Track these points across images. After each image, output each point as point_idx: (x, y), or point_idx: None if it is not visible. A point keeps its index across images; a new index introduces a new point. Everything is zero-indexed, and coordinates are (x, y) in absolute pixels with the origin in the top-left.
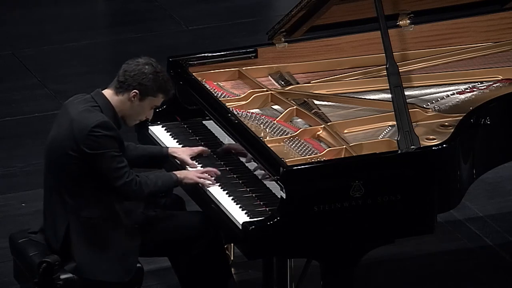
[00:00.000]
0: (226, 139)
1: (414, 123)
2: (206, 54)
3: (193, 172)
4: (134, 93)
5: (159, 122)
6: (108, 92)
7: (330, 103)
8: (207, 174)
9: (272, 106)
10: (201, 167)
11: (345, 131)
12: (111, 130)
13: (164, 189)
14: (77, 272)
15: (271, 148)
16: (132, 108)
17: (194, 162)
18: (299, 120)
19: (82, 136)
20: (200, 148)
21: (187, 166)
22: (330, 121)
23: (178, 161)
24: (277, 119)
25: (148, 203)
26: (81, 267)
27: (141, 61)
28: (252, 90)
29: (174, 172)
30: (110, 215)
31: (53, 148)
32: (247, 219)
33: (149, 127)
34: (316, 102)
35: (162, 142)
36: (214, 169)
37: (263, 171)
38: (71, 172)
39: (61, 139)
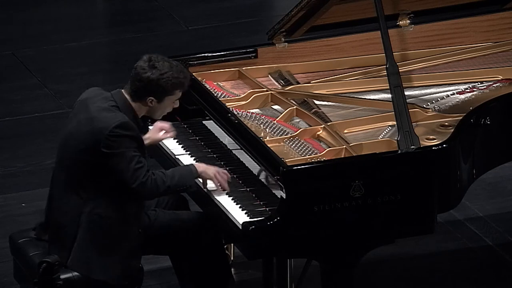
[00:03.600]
0: (226, 139)
1: (414, 123)
2: (206, 54)
3: (213, 168)
4: (150, 100)
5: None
6: (126, 95)
7: (330, 103)
8: (225, 176)
9: (272, 106)
10: (196, 161)
11: (345, 131)
12: (131, 130)
13: (183, 183)
14: (81, 270)
15: (271, 148)
16: (153, 109)
17: (164, 135)
18: (299, 120)
19: (103, 135)
20: (165, 124)
21: (164, 143)
22: (330, 121)
23: (154, 145)
24: (277, 119)
25: (150, 202)
26: (86, 265)
27: (146, 66)
28: (252, 90)
29: (193, 164)
30: (120, 216)
31: (70, 144)
32: (247, 219)
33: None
34: (316, 102)
35: (163, 142)
36: (229, 176)
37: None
38: (88, 169)
39: (80, 136)
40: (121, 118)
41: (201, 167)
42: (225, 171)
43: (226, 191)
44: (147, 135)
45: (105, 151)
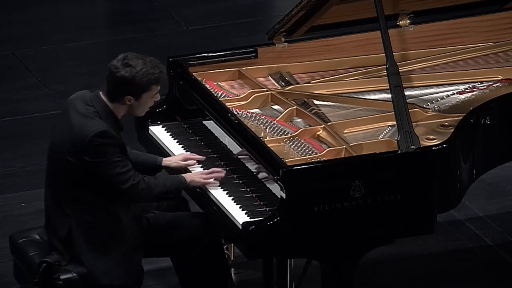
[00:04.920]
0: (226, 139)
1: (414, 123)
2: (206, 54)
3: (199, 175)
4: (128, 99)
5: (159, 122)
6: (105, 98)
7: (330, 103)
8: (212, 175)
9: (272, 106)
10: (203, 169)
11: (345, 131)
12: (110, 138)
13: (173, 191)
14: (85, 276)
15: (271, 148)
16: (133, 107)
17: (188, 162)
18: (299, 120)
19: (82, 145)
20: (196, 156)
21: (164, 143)
22: (330, 121)
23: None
24: (277, 119)
25: (150, 205)
26: (88, 271)
27: (119, 65)
28: (252, 90)
29: (183, 174)
30: (113, 218)
31: (54, 152)
32: (247, 219)
33: (149, 127)
34: (316, 102)
35: (163, 143)
36: (219, 169)
37: (265, 173)
38: (73, 177)
39: (62, 145)
40: (100, 126)
41: (188, 177)
42: (214, 169)
43: (227, 192)
44: (172, 160)
45: (88, 160)
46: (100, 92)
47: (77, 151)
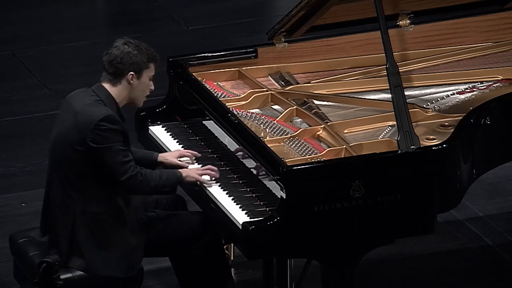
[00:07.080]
0: (226, 139)
1: (414, 123)
2: (206, 54)
3: (194, 170)
4: (131, 75)
5: (159, 122)
6: (106, 86)
7: (330, 103)
8: (208, 171)
9: (272, 106)
10: (201, 166)
11: (345, 131)
12: (116, 123)
13: (169, 185)
14: (86, 269)
15: (271, 148)
16: (135, 89)
17: (183, 163)
18: (299, 120)
19: (88, 130)
20: (191, 152)
21: (165, 143)
22: (330, 121)
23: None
24: (277, 119)
25: (149, 203)
26: (90, 263)
27: (118, 44)
28: (252, 90)
29: (178, 169)
30: (115, 210)
31: (58, 144)
32: (247, 219)
33: (149, 127)
34: (316, 102)
35: (162, 142)
36: (215, 168)
37: (262, 170)
38: (77, 167)
39: (66, 133)
40: (106, 111)
41: (184, 171)
42: (209, 166)
43: (227, 192)
44: (167, 156)
45: (92, 145)
46: (102, 83)
47: (82, 137)
